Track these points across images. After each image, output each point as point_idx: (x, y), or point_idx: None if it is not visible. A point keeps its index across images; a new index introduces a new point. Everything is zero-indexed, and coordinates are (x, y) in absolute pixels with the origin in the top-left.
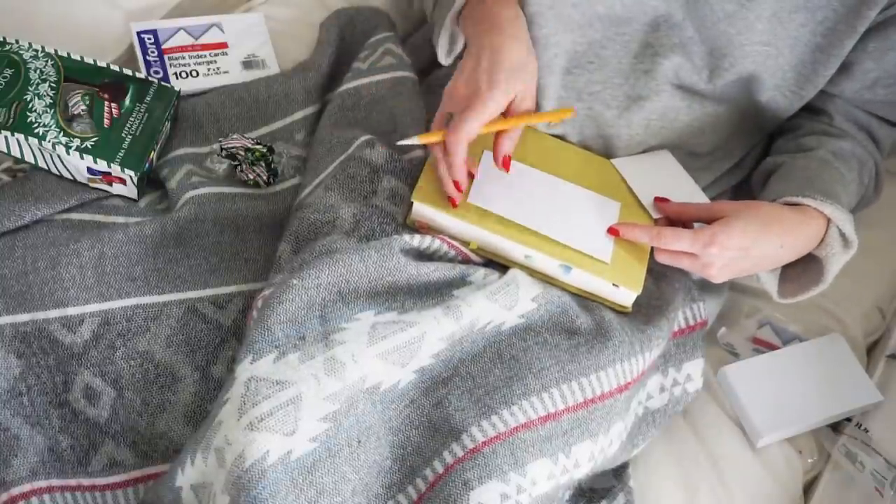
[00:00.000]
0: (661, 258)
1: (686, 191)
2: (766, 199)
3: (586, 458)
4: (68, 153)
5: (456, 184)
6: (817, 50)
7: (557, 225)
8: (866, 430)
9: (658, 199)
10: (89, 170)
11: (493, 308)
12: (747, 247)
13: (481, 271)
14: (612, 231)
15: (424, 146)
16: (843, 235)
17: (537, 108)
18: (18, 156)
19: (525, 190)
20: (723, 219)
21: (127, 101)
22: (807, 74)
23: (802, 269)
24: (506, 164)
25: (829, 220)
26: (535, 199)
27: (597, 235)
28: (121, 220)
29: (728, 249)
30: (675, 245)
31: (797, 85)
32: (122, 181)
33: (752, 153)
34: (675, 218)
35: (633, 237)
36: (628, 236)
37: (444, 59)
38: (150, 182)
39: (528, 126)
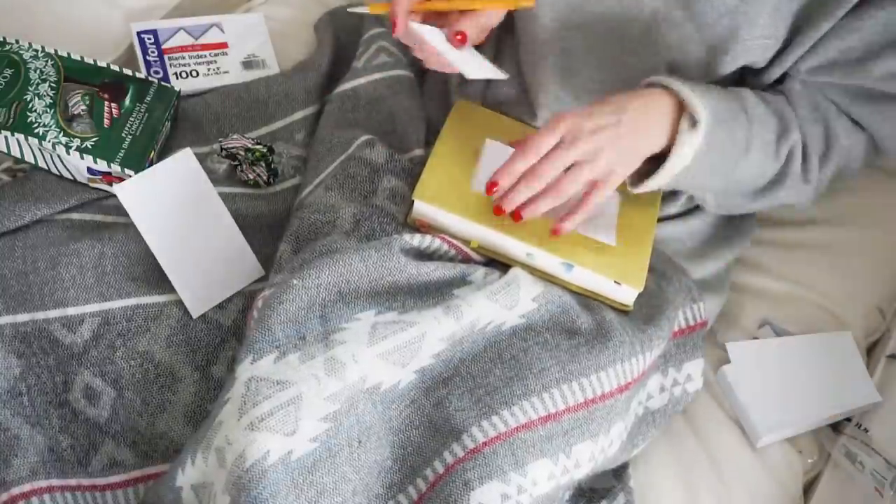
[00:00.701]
0: (534, 181)
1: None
2: None
3: (587, 458)
4: (68, 153)
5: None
6: (795, 31)
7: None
8: (866, 430)
9: (491, 183)
10: (89, 170)
11: (494, 308)
12: (599, 111)
13: (482, 271)
14: (553, 232)
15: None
16: (691, 118)
17: (533, 103)
18: (18, 156)
19: None
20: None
21: (127, 101)
22: (779, 53)
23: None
24: (462, 40)
25: (681, 103)
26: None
27: (599, 222)
28: (121, 220)
29: (579, 116)
30: (544, 142)
31: (770, 64)
32: (122, 181)
33: None
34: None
35: (504, 180)
36: (502, 181)
37: None
38: None
39: (524, 124)
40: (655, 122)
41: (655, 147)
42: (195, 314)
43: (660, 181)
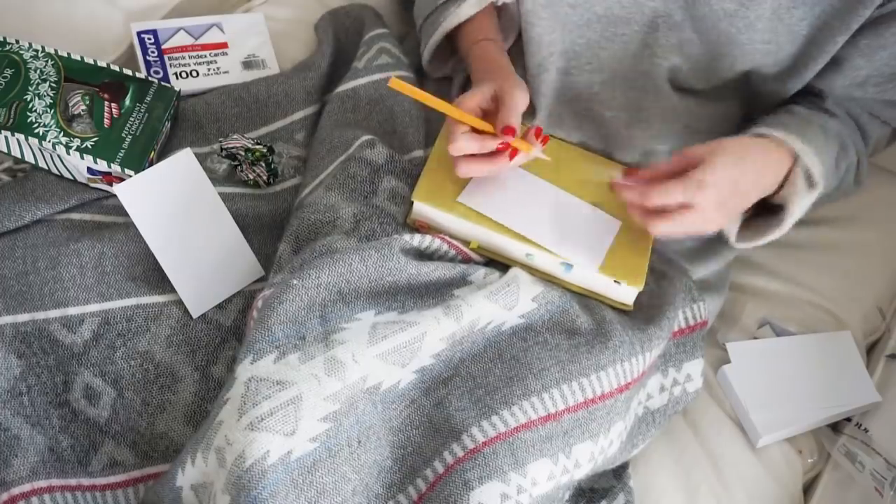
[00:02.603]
0: (657, 225)
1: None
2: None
3: (586, 458)
4: (68, 153)
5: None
6: (811, 43)
7: (547, 234)
8: (866, 430)
9: (628, 171)
10: (89, 170)
11: (494, 308)
12: (736, 178)
13: (482, 271)
14: (612, 184)
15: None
16: (808, 176)
17: (534, 107)
18: (18, 156)
19: (519, 196)
20: (700, 163)
21: (127, 101)
22: (796, 67)
23: (762, 217)
24: (538, 137)
25: (795, 158)
26: (527, 207)
27: (589, 248)
28: (121, 220)
29: (718, 186)
30: (666, 198)
31: (787, 78)
32: (122, 181)
33: None
34: (650, 184)
35: (624, 196)
36: (620, 192)
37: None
38: None
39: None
40: (771, 180)
41: (762, 196)
42: (195, 314)
43: (772, 238)
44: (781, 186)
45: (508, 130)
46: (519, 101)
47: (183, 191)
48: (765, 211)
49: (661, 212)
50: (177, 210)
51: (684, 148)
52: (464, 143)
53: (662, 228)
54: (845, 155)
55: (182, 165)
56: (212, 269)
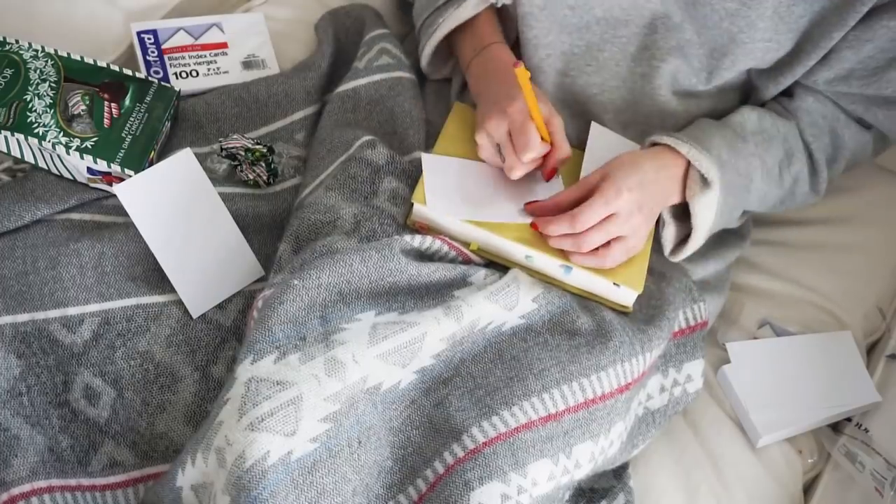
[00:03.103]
0: (590, 241)
1: None
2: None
3: (587, 458)
4: (68, 153)
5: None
6: (807, 39)
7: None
8: (866, 430)
9: (528, 204)
10: (89, 170)
11: (494, 309)
12: (640, 181)
13: (482, 272)
14: (532, 226)
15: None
16: (702, 177)
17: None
18: (18, 156)
19: (481, 186)
20: (602, 178)
21: (127, 101)
22: (790, 63)
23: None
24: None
25: (688, 162)
26: (493, 194)
27: None
28: (121, 220)
29: (631, 189)
30: (591, 214)
31: (780, 72)
32: (122, 181)
33: None
34: (556, 209)
35: (551, 231)
36: (548, 231)
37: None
38: None
39: None
40: (674, 187)
41: (671, 203)
42: (195, 314)
43: (696, 244)
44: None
45: (551, 173)
46: (563, 132)
47: (183, 191)
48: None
49: (588, 229)
50: (177, 210)
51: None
52: (538, 152)
53: (593, 241)
54: (790, 162)
55: (182, 165)
56: (212, 269)
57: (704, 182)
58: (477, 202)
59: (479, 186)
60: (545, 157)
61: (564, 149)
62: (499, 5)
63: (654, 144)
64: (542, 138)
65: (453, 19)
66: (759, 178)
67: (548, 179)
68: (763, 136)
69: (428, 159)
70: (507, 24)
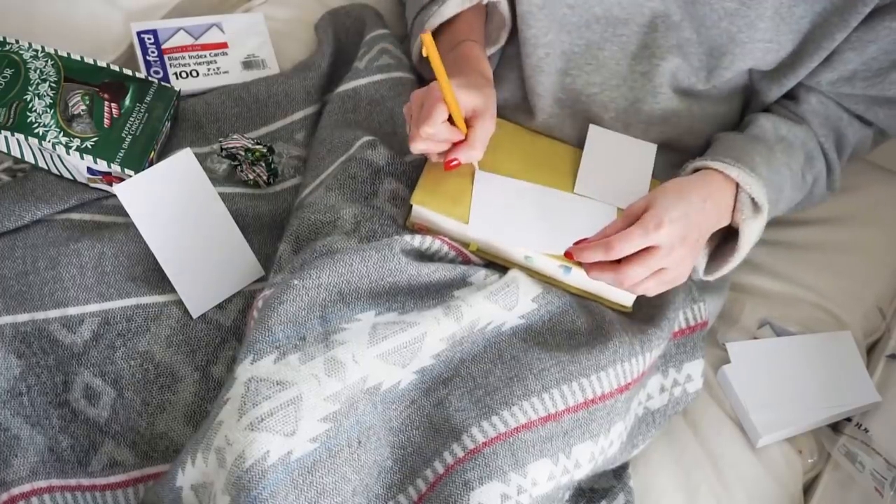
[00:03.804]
0: (629, 273)
1: (635, 189)
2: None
3: (587, 458)
4: (68, 153)
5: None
6: (809, 40)
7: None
8: (866, 430)
9: (578, 242)
10: (89, 170)
11: (494, 309)
12: (685, 211)
13: (482, 272)
14: (567, 255)
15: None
16: (753, 200)
17: (532, 109)
18: (18, 156)
19: (521, 209)
20: (647, 208)
21: (127, 101)
22: (793, 64)
23: (722, 247)
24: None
25: (737, 185)
26: (533, 219)
27: None
28: (121, 220)
29: (674, 221)
30: (628, 243)
31: (783, 74)
32: (122, 181)
33: None
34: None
35: (585, 257)
36: (582, 258)
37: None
38: None
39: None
40: (721, 213)
41: (717, 229)
42: (195, 314)
43: (732, 266)
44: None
45: (452, 163)
46: (485, 135)
47: (183, 191)
48: (723, 241)
49: (628, 262)
50: (177, 210)
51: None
52: (438, 130)
53: (634, 274)
54: (811, 166)
55: (182, 165)
56: (212, 269)
57: (755, 206)
58: (520, 227)
59: (526, 210)
60: (455, 146)
61: (475, 150)
62: (484, 2)
63: (697, 169)
64: (457, 124)
65: (437, 17)
66: (789, 187)
67: (446, 169)
68: (785, 144)
69: (482, 177)
70: (500, 23)
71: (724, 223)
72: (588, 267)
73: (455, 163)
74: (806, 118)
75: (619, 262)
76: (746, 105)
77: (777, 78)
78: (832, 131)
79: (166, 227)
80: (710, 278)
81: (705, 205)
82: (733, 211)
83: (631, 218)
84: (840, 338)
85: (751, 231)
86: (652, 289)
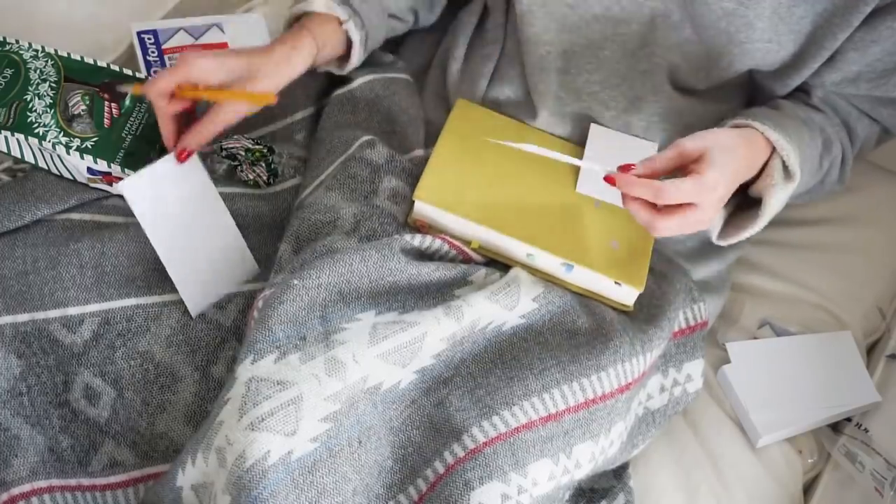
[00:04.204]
0: (663, 223)
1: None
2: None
3: (587, 458)
4: (68, 153)
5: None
6: (811, 41)
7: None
8: (866, 430)
9: (622, 167)
10: (89, 170)
11: (494, 308)
12: (735, 170)
13: (482, 271)
14: (608, 179)
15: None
16: (785, 167)
17: (533, 107)
18: (18, 156)
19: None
20: (701, 159)
21: (127, 101)
22: (796, 64)
23: (738, 213)
24: (180, 157)
25: (772, 150)
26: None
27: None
28: (121, 220)
29: (723, 184)
30: (679, 198)
31: (786, 74)
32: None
33: None
34: (651, 175)
35: (632, 191)
36: (626, 189)
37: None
38: None
39: (524, 124)
40: (754, 169)
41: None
42: (194, 313)
43: (750, 233)
44: (757, 178)
45: (184, 154)
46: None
47: (185, 188)
48: (738, 207)
49: (669, 213)
50: (178, 208)
51: (675, 141)
52: (159, 99)
53: (667, 227)
54: (828, 152)
55: (185, 163)
56: (211, 268)
57: (786, 174)
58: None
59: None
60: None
61: (200, 135)
62: (342, 25)
63: (737, 125)
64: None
65: (304, 5)
66: (807, 169)
67: (179, 160)
68: (807, 126)
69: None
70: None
71: (749, 179)
72: (627, 199)
73: (183, 152)
74: (820, 108)
75: (656, 206)
76: (749, 104)
77: (781, 78)
78: (843, 124)
79: (168, 224)
80: (723, 243)
81: (743, 163)
82: (759, 175)
83: (683, 159)
84: (840, 338)
85: (777, 200)
86: (668, 227)
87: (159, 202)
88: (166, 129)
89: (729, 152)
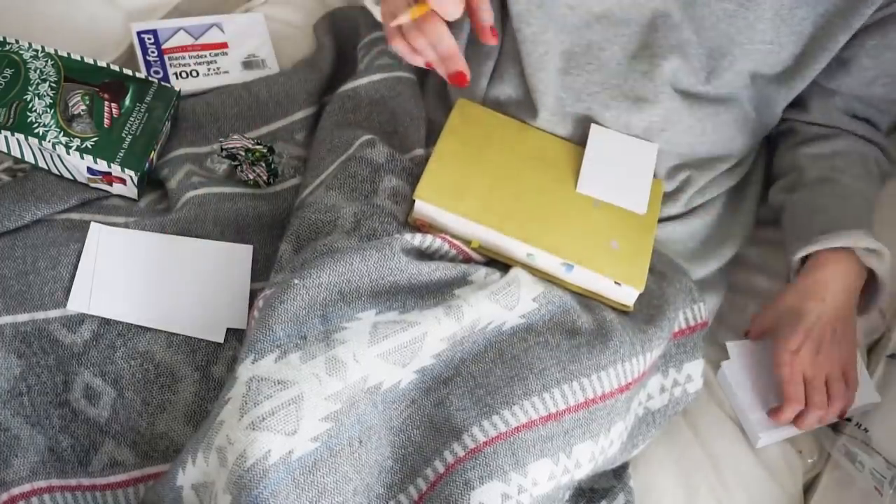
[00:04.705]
0: (820, 405)
1: (636, 186)
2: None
3: (587, 458)
4: (68, 153)
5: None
6: (813, 43)
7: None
8: (866, 430)
9: (773, 412)
10: (89, 170)
11: (495, 308)
12: (808, 327)
13: (482, 271)
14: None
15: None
16: (870, 250)
17: (534, 106)
18: (18, 156)
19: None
20: (777, 326)
21: (127, 101)
22: (798, 67)
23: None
24: (494, 34)
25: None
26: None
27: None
28: (121, 220)
29: (799, 347)
30: (798, 385)
31: (790, 77)
32: (122, 181)
33: (750, 154)
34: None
35: (811, 425)
36: (807, 427)
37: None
38: (150, 182)
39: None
40: (850, 287)
41: (858, 290)
42: (221, 339)
43: (879, 302)
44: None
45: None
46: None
47: (128, 259)
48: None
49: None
50: (136, 277)
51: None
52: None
53: (819, 396)
54: (869, 160)
55: (102, 240)
56: (207, 295)
57: (876, 253)
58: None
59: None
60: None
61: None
62: None
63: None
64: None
65: None
66: (869, 198)
67: (458, 83)
68: (840, 169)
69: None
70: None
71: (859, 285)
72: (803, 423)
73: (485, 27)
74: (832, 124)
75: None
76: (753, 108)
77: (785, 81)
78: (861, 119)
79: (137, 297)
80: (867, 314)
81: (826, 301)
82: (859, 269)
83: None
84: None
85: (883, 268)
86: (839, 393)
87: (115, 289)
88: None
89: (794, 319)
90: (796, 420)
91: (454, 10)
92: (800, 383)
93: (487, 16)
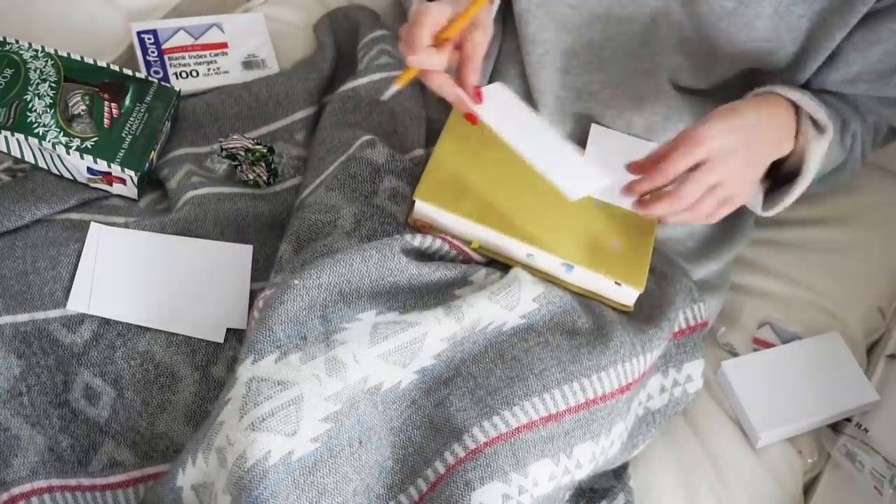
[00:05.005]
0: (682, 194)
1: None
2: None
3: (588, 458)
4: (68, 153)
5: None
6: (810, 40)
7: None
8: (866, 430)
9: (630, 165)
10: (89, 170)
11: (495, 308)
12: (736, 125)
13: (482, 271)
14: (626, 188)
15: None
16: (815, 122)
17: (535, 106)
18: (18, 156)
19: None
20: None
21: (127, 101)
22: (796, 64)
23: (779, 188)
24: (476, 97)
25: (796, 111)
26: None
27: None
28: (121, 220)
29: (721, 134)
30: (678, 164)
31: (789, 74)
32: (122, 181)
33: None
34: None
35: (638, 189)
36: (635, 190)
37: None
38: (150, 182)
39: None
40: (782, 136)
41: (779, 156)
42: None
43: (796, 195)
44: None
45: (477, 95)
46: (475, 50)
47: (128, 259)
48: (777, 184)
49: (680, 181)
50: (136, 277)
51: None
52: (424, 58)
53: (688, 193)
54: (847, 127)
55: (102, 240)
56: (207, 295)
57: (817, 128)
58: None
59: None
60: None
61: (466, 68)
62: None
63: (757, 96)
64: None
65: None
66: (836, 139)
67: (470, 121)
68: (824, 101)
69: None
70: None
71: (787, 148)
72: (642, 205)
73: (466, 116)
74: (829, 92)
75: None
76: None
77: (783, 78)
78: (855, 110)
79: (134, 304)
80: (770, 213)
81: (760, 120)
82: (796, 135)
83: (680, 139)
84: (829, 339)
85: (815, 154)
86: (715, 212)
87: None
88: (465, 76)
89: (726, 112)
90: (640, 200)
91: (437, 66)
92: (685, 163)
93: (474, 77)
